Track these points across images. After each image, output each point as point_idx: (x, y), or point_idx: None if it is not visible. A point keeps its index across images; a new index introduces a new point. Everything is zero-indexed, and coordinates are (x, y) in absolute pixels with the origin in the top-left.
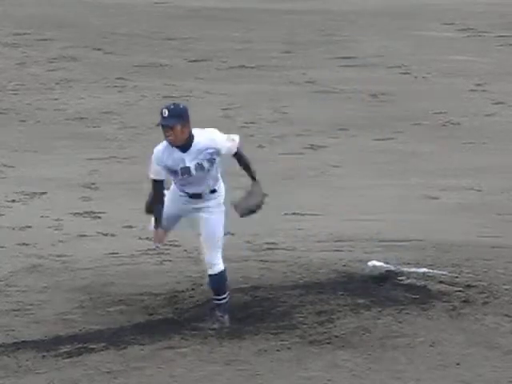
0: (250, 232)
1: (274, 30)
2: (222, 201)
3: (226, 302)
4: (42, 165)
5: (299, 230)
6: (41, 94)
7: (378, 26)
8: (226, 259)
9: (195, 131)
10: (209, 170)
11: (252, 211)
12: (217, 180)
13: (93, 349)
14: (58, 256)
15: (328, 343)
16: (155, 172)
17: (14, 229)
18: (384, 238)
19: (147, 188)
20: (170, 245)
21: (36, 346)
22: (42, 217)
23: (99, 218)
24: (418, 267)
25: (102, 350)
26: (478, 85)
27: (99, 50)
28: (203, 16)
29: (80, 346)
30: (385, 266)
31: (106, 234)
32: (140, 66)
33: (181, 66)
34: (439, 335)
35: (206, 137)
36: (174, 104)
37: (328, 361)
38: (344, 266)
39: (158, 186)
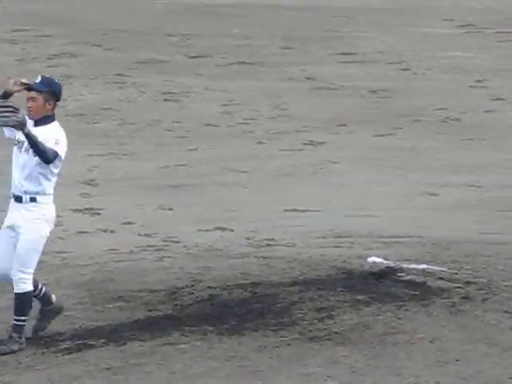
0: (249, 228)
1: (274, 26)
2: (45, 219)
3: (24, 325)
4: None
5: (299, 226)
6: None
7: (377, 22)
8: (225, 255)
9: (56, 124)
10: (35, 157)
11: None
12: (41, 189)
13: (92, 345)
14: (58, 252)
15: (328, 340)
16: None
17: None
18: (383, 234)
19: (147, 184)
20: (170, 241)
21: (36, 342)
22: None
23: (99, 214)
24: (418, 263)
25: (102, 347)
26: (478, 81)
27: (99, 46)
28: (203, 12)
29: (80, 342)
30: (384, 262)
31: (105, 231)
32: (140, 63)
33: (180, 62)
34: (439, 331)
35: (53, 131)
36: (49, 76)
37: (327, 357)
38: (343, 262)
39: None
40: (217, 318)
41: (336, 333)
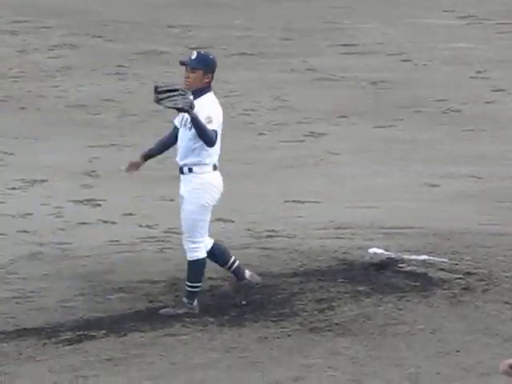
0: (250, 219)
1: (275, 18)
2: (204, 188)
3: (197, 292)
4: (43, 152)
5: (299, 217)
6: (41, 82)
7: (378, 13)
8: (226, 246)
9: (210, 95)
10: (190, 131)
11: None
12: (198, 161)
13: (93, 336)
14: (59, 243)
15: (328, 330)
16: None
17: (14, 216)
18: (384, 225)
19: (148, 176)
20: (171, 232)
21: (37, 333)
22: (42, 204)
23: (99, 205)
24: (419, 254)
25: (103, 338)
26: (479, 72)
27: (100, 37)
28: (203, 3)
29: (81, 333)
30: (385, 253)
31: (106, 222)
32: (140, 54)
33: (181, 53)
34: (439, 322)
35: (206, 106)
36: (204, 52)
37: (328, 348)
38: (344, 253)
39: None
40: (217, 309)
41: (337, 324)
